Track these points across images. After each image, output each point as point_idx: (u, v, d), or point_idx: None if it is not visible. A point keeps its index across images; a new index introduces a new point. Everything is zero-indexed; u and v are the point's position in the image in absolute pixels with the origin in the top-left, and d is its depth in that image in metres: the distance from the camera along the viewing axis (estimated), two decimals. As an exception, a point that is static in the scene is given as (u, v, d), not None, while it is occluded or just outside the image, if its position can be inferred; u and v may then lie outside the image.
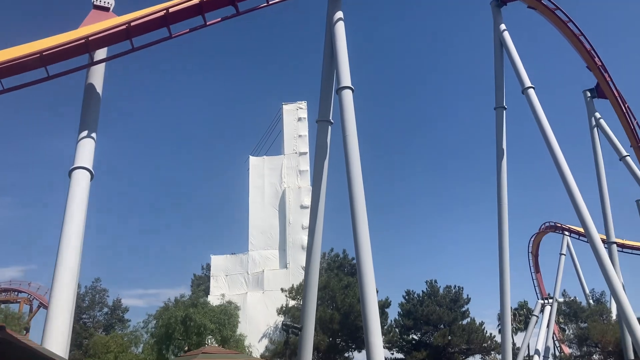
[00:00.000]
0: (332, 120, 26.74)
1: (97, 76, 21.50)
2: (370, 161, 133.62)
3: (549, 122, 29.69)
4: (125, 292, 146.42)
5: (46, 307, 59.22)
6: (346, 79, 24.00)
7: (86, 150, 19.40)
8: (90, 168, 19.24)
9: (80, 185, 18.32)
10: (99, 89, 21.24)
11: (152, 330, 35.49)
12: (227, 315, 33.79)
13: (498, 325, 75.07)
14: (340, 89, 24.06)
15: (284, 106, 61.58)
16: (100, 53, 21.47)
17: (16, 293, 68.89)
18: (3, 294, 68.44)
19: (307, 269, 25.72)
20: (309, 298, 25.05)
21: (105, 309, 60.30)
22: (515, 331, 79.08)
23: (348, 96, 23.87)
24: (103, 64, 21.88)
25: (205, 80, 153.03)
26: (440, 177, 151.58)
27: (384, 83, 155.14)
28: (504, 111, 33.49)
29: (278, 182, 58.92)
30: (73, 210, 17.50)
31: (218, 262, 56.77)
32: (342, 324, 49.08)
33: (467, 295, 59.44)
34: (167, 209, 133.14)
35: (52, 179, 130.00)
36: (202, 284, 59.77)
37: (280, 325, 52.65)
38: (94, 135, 20.14)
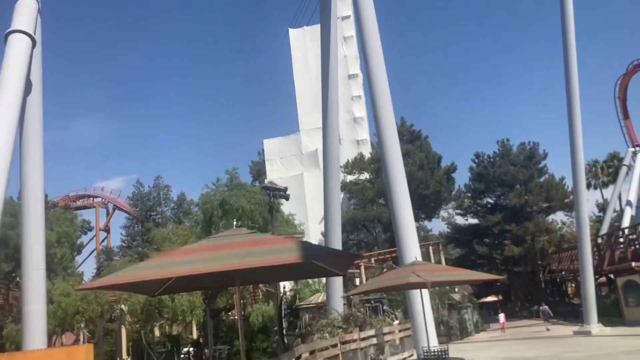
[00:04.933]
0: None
1: None
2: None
3: None
4: (191, 189, 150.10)
5: (122, 209, 60.55)
6: None
7: (24, 12, 16.11)
8: (31, 32, 15.99)
9: (17, 50, 15.23)
10: None
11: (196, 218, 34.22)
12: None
13: (586, 179, 69.89)
14: None
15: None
16: None
17: (91, 198, 71.02)
18: (79, 200, 70.79)
19: (324, 136, 22.23)
20: (330, 175, 21.73)
21: (172, 204, 60.86)
22: (605, 185, 73.05)
23: None
24: None
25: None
26: (490, 14, 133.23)
27: None
28: None
29: (323, 53, 54.15)
30: (9, 79, 14.59)
31: (271, 146, 54.62)
32: (404, 194, 46.25)
33: (544, 151, 54.37)
34: (210, 100, 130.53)
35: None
36: (260, 169, 58.30)
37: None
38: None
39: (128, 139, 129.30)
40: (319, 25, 54.18)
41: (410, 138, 51.11)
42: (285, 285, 39.76)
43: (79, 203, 70.46)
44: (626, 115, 65.96)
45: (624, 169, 57.21)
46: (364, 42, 18.65)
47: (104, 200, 70.57)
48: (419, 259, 16.16)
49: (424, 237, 58.58)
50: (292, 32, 55.07)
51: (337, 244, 21.53)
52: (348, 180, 49.52)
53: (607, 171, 71.71)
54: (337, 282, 21.73)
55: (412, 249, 16.33)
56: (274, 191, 15.13)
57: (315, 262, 5.69)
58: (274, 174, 52.20)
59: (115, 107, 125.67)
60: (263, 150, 59.32)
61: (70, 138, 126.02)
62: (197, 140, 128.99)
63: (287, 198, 16.50)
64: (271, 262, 4.81)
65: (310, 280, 33.95)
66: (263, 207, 31.42)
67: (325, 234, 21.05)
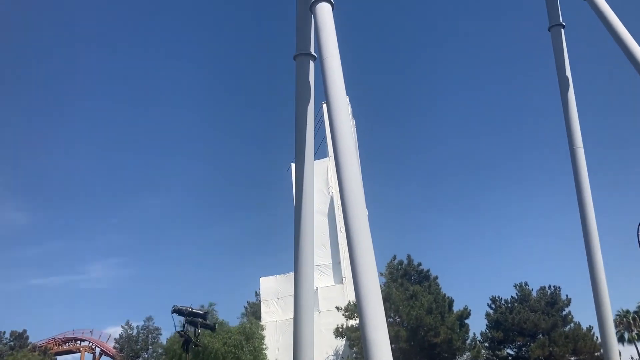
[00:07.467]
0: (314, 54, 20.32)
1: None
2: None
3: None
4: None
5: (108, 355, 55.53)
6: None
7: None
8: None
9: None
10: None
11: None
12: (244, 334, 27.30)
13: (617, 331, 63.41)
14: (313, 4, 17.51)
15: (324, 105, 55.53)
16: None
17: (78, 342, 66.28)
18: (66, 344, 66.05)
19: (296, 268, 18.97)
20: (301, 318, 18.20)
21: (160, 350, 55.62)
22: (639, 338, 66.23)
23: (324, 12, 17.28)
24: None
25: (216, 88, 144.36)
26: (504, 150, 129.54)
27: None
28: (562, 30, 25.32)
29: (325, 188, 52.54)
30: None
31: (268, 285, 50.78)
32: (411, 341, 41.09)
33: (567, 296, 49.21)
34: (210, 235, 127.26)
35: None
36: (256, 310, 53.73)
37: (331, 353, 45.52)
38: None
39: (139, 283, 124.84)
40: (321, 160, 53.47)
41: (418, 278, 47.02)
42: None
43: (65, 347, 65.73)
44: (654, 260, 61.29)
45: (659, 320, 51.65)
46: (340, 175, 15.17)
47: (91, 344, 65.69)
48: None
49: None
50: (295, 166, 53.93)
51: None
52: (349, 325, 44.72)
53: (640, 323, 65.44)
54: None
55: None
56: (189, 317, 10.55)
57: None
58: (270, 316, 47.72)
59: (134, 252, 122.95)
60: (260, 290, 55.36)
61: (86, 282, 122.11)
62: (198, 281, 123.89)
63: (212, 329, 12.20)
64: None
65: None
66: (240, 350, 27.20)
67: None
